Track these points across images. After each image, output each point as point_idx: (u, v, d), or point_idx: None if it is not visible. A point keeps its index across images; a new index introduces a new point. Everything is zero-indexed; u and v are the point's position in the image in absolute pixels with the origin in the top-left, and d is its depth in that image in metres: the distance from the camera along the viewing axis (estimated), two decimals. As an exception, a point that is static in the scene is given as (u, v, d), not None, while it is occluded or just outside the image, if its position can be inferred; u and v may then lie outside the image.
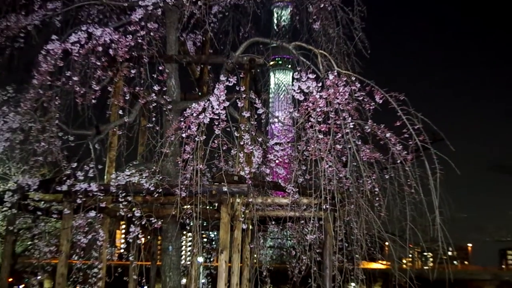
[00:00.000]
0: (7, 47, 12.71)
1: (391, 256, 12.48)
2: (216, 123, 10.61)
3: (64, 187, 11.17)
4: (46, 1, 13.05)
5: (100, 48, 11.45)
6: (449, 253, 10.36)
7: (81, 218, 11.55)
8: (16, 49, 12.77)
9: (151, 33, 11.91)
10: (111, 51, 11.52)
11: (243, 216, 11.56)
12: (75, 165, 11.47)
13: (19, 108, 11.41)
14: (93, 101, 11.66)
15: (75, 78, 11.22)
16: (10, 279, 15.00)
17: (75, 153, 11.83)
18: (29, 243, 21.09)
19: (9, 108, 11.64)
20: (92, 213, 11.46)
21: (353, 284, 11.68)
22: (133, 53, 11.84)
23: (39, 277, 11.81)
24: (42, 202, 11.81)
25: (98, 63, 11.51)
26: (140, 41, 11.72)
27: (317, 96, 10.25)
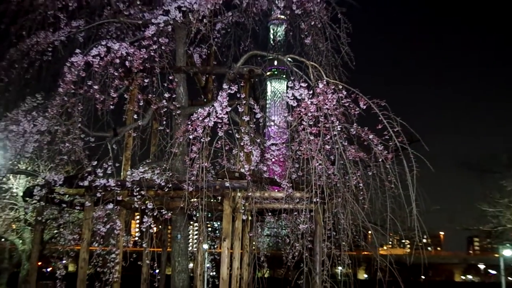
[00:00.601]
0: (37, 60, 12.77)
1: (373, 244, 12.57)
2: (220, 126, 10.70)
3: (86, 183, 11.34)
4: (71, 19, 13.13)
5: (117, 60, 11.53)
6: (424, 240, 10.45)
7: (101, 210, 11.77)
8: (45, 61, 12.84)
9: (162, 47, 12.05)
10: (127, 63, 11.59)
11: (243, 208, 11.67)
12: (95, 163, 11.65)
13: (46, 113, 11.51)
14: (111, 107, 11.74)
15: (96, 87, 11.31)
16: (39, 263, 15.05)
17: (95, 152, 12.07)
18: (55, 231, 21.15)
19: (38, 113, 11.76)
20: (110, 206, 11.64)
21: (340, 267, 11.76)
22: (146, 65, 11.97)
23: (64, 262, 11.93)
24: (67, 196, 11.93)
25: (116, 74, 11.60)
26: (152, 54, 11.84)
27: (309, 102, 10.32)
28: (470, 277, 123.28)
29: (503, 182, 26.33)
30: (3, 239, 30.64)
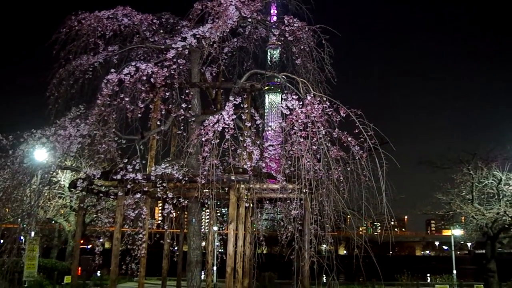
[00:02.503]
0: (80, 78, 12.67)
1: (351, 226, 12.45)
2: (227, 131, 10.62)
3: (119, 176, 11.27)
4: (107, 45, 13.02)
5: (144, 78, 11.41)
6: (392, 223, 10.35)
7: (130, 199, 11.74)
8: (86, 79, 12.70)
9: (180, 67, 11.98)
10: (152, 80, 11.47)
11: (245, 197, 11.59)
12: (126, 160, 11.58)
13: (87, 120, 11.36)
14: (139, 115, 11.63)
15: (127, 99, 11.17)
16: (82, 241, 14.95)
17: (126, 152, 11.94)
18: (94, 216, 21.06)
19: (81, 120, 11.63)
20: (138, 195, 11.59)
21: (324, 245, 11.63)
22: (167, 81, 11.90)
23: (101, 240, 11.84)
24: (103, 187, 11.79)
25: (143, 88, 11.45)
26: (172, 72, 11.74)
27: (299, 111, 10.25)
28: (428, 252, 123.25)
29: (453, 176, 26.38)
30: (53, 222, 30.59)
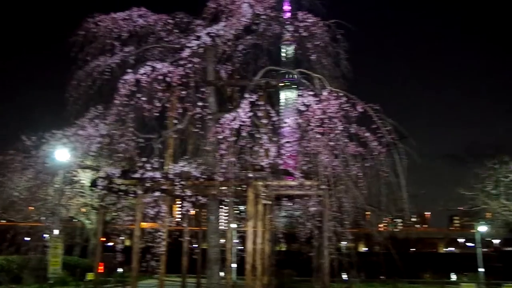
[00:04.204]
0: (98, 79, 12.89)
1: (371, 222, 12.42)
2: (243, 128, 10.68)
3: (137, 175, 11.46)
4: (124, 46, 13.24)
5: (160, 77, 11.58)
6: (413, 219, 10.30)
7: (149, 197, 11.80)
8: (104, 80, 12.92)
9: (196, 65, 12.13)
10: (168, 79, 11.63)
11: (263, 194, 11.57)
12: (144, 159, 11.68)
13: (106, 120, 11.60)
14: (156, 114, 11.80)
15: (144, 99, 11.36)
16: (103, 239, 15.22)
17: (144, 151, 12.06)
18: (115, 214, 21.36)
19: (99, 120, 11.84)
20: (157, 193, 11.71)
21: (343, 242, 11.62)
22: (183, 80, 12.04)
23: (122, 238, 11.99)
24: (123, 185, 11.96)
25: (159, 88, 11.64)
26: (188, 71, 11.89)
27: (315, 107, 10.28)
28: (451, 249, 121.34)
29: (477, 170, 25.85)
30: (75, 220, 31.17)
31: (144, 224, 12.20)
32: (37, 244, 12.16)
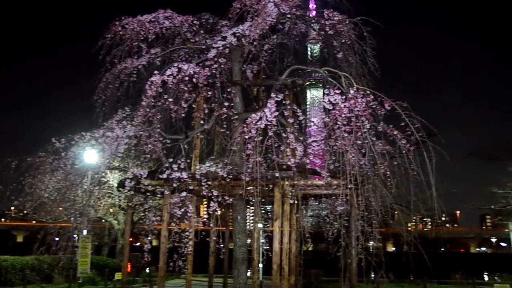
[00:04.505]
0: (125, 81, 13.09)
1: (400, 222, 12.24)
2: (269, 128, 10.66)
3: (164, 175, 11.54)
4: (150, 48, 13.38)
5: (186, 78, 11.63)
6: (443, 218, 10.11)
7: (176, 197, 11.96)
8: (131, 81, 13.11)
9: (222, 66, 12.15)
10: (194, 80, 11.67)
11: (290, 194, 11.56)
12: (171, 160, 11.79)
13: (133, 122, 11.71)
14: (183, 115, 11.88)
15: (170, 100, 11.42)
16: (131, 239, 15.43)
17: (171, 151, 12.15)
18: (142, 214, 21.64)
19: (127, 122, 11.97)
20: (184, 193, 11.84)
21: (372, 242, 11.49)
22: (209, 80, 12.09)
23: (149, 238, 12.11)
24: (150, 186, 12.11)
25: (185, 88, 11.69)
26: (214, 71, 11.92)
27: (342, 106, 10.19)
28: (484, 249, 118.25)
29: (510, 167, 25.14)
30: (103, 220, 31.79)
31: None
32: (67, 244, 12.40)
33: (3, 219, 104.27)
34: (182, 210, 12.01)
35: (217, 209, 12.16)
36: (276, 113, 10.97)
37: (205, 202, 13.07)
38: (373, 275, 10.90)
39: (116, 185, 17.43)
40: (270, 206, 15.25)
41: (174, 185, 11.54)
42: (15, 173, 12.18)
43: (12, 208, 26.80)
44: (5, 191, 12.10)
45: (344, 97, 10.34)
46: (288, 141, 11.46)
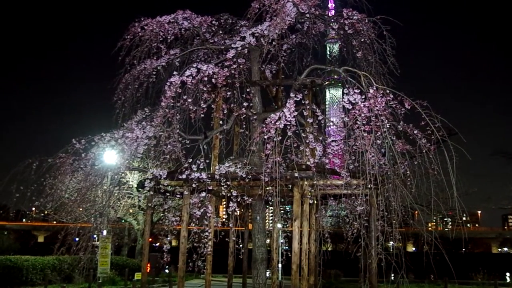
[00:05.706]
0: (144, 82, 13.23)
1: (420, 222, 12.16)
2: (288, 128, 10.68)
3: (184, 176, 11.62)
4: (169, 49, 13.47)
5: (205, 78, 11.70)
6: (464, 218, 10.01)
7: (196, 197, 12.06)
8: (150, 82, 13.26)
9: (241, 66, 12.15)
10: (213, 80, 11.74)
11: (309, 194, 11.55)
12: (190, 160, 11.86)
13: (153, 122, 11.81)
14: (202, 115, 11.94)
15: (189, 100, 11.50)
16: (150, 239, 15.58)
17: (190, 152, 12.24)
18: (161, 215, 21.94)
19: (146, 122, 12.07)
20: (203, 194, 11.91)
21: (391, 242, 11.44)
22: (228, 81, 12.15)
23: (168, 238, 12.21)
24: (169, 186, 12.21)
25: (205, 89, 11.75)
26: (233, 72, 11.93)
27: (361, 105, 10.17)
28: (506, 249, 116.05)
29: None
30: (123, 221, 32.24)
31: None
32: (87, 244, 12.57)
33: (24, 220, 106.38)
34: (201, 210, 12.08)
35: (236, 209, 12.22)
36: (295, 113, 10.96)
37: (224, 202, 13.14)
38: (393, 276, 10.84)
39: (135, 185, 17.63)
40: (289, 206, 15.26)
41: (194, 185, 11.59)
42: (35, 174, 12.35)
43: (33, 208, 27.34)
44: (26, 192, 12.27)
45: (363, 96, 10.31)
46: (307, 141, 11.45)
